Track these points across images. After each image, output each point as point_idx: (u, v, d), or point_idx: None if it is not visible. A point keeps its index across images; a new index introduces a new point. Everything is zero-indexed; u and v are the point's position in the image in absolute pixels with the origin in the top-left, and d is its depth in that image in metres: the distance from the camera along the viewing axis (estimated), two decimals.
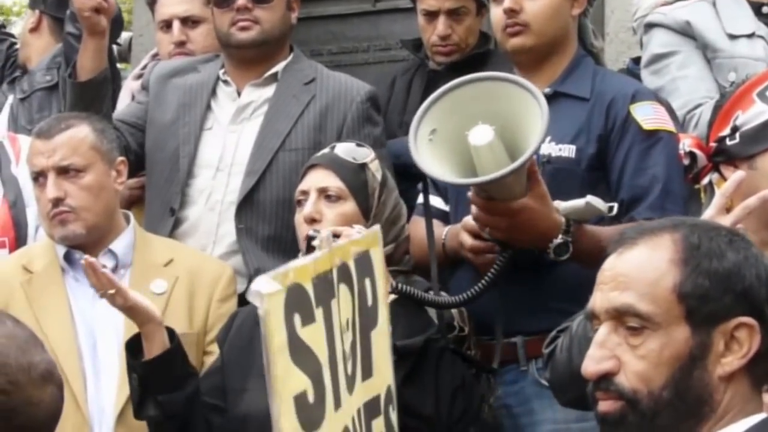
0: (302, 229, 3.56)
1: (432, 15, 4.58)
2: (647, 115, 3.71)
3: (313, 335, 2.27)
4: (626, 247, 2.28)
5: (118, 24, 4.82)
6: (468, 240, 3.61)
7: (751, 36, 4.23)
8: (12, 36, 5.98)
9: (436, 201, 3.82)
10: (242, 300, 3.86)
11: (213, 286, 3.90)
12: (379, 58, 5.25)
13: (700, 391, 2.19)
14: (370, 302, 2.57)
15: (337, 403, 2.36)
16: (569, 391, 3.02)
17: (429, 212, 3.64)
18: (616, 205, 3.58)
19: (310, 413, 2.22)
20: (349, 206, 3.57)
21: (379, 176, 3.62)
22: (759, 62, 4.11)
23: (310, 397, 2.23)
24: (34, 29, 5.39)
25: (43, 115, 4.83)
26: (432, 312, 3.59)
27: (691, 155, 3.42)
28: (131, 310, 3.46)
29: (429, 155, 3.45)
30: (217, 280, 3.90)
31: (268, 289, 2.11)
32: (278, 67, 4.34)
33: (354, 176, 3.59)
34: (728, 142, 3.27)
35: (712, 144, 3.35)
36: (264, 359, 2.13)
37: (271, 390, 2.12)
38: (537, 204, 3.44)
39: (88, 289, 3.59)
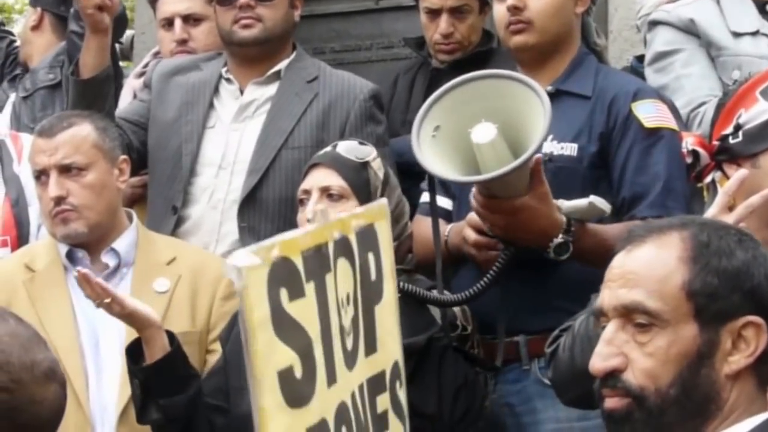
0: None
1: (435, 13, 4.58)
2: (649, 113, 3.70)
3: (303, 310, 2.24)
4: (635, 245, 2.28)
5: (121, 22, 4.82)
6: (471, 235, 3.61)
7: (755, 34, 4.23)
8: (11, 34, 5.98)
9: (441, 200, 3.82)
10: None
11: (216, 285, 3.89)
12: (381, 56, 5.25)
13: (707, 389, 2.20)
14: (373, 277, 2.54)
15: (331, 379, 2.33)
16: (571, 390, 3.03)
17: (435, 210, 3.64)
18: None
19: (297, 388, 2.20)
20: (352, 205, 3.56)
21: (381, 175, 3.61)
22: (763, 60, 4.10)
23: (297, 373, 2.21)
24: (36, 27, 5.39)
25: (46, 113, 4.83)
26: (435, 311, 3.59)
27: (694, 153, 3.42)
28: (130, 317, 3.45)
29: (432, 153, 3.44)
30: (219, 279, 3.89)
31: (245, 263, 2.08)
32: (281, 65, 4.34)
33: (356, 175, 3.58)
34: (731, 141, 3.27)
35: (715, 142, 3.35)
36: (242, 335, 2.10)
37: (249, 366, 2.09)
38: (538, 203, 3.44)
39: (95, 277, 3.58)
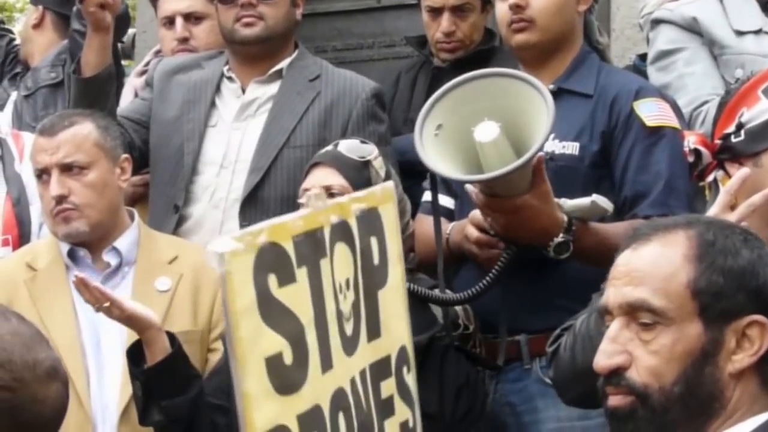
0: None
1: (436, 11, 4.57)
2: (651, 112, 3.70)
3: (293, 296, 2.22)
4: (640, 243, 2.29)
5: (124, 21, 4.83)
6: (474, 232, 3.60)
7: (758, 32, 4.22)
8: (11, 32, 5.98)
9: (443, 199, 3.81)
10: None
11: (217, 283, 3.87)
12: (383, 54, 5.25)
13: (711, 387, 2.20)
14: (376, 261, 2.52)
15: (327, 365, 2.31)
16: (573, 389, 3.02)
17: (437, 209, 3.64)
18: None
19: (287, 375, 2.19)
20: None
21: (382, 173, 3.61)
22: (766, 59, 4.09)
23: (287, 359, 2.19)
24: (37, 25, 5.38)
25: (48, 112, 4.82)
26: (437, 310, 3.58)
27: (696, 152, 3.42)
28: (129, 320, 3.45)
29: (434, 152, 3.44)
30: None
31: (226, 249, 2.07)
32: (283, 64, 4.33)
33: (357, 174, 3.57)
34: (733, 139, 3.26)
35: (717, 141, 3.34)
36: (225, 322, 2.09)
37: (232, 353, 2.08)
38: (538, 201, 3.43)
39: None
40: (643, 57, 4.46)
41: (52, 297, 3.85)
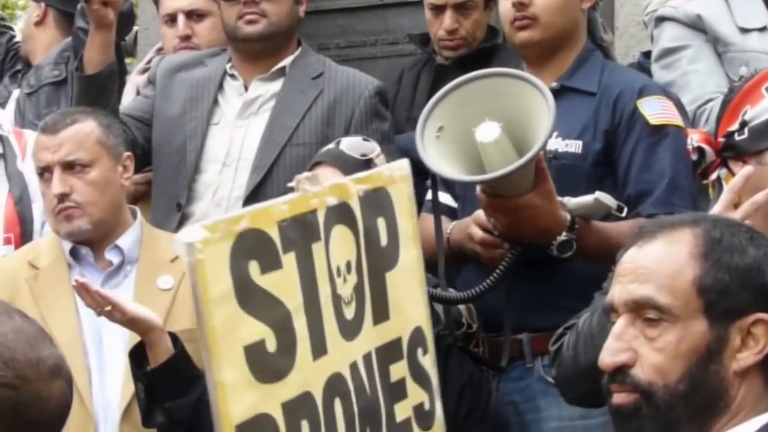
0: None
1: (439, 9, 4.56)
2: (654, 110, 3.69)
3: (279, 282, 2.20)
4: (646, 240, 2.28)
5: (128, 19, 4.82)
6: (478, 233, 3.60)
7: (762, 30, 4.21)
8: (11, 29, 5.97)
9: (444, 198, 3.81)
10: None
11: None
12: (386, 52, 5.23)
13: (715, 385, 2.19)
14: (384, 242, 2.49)
15: (319, 351, 2.28)
16: (575, 388, 3.03)
17: (438, 208, 3.63)
18: (626, 208, 3.57)
19: (269, 363, 2.17)
20: None
21: None
22: None
23: (270, 347, 2.17)
24: (39, 22, 5.37)
25: (51, 110, 4.81)
26: (439, 308, 3.58)
27: (700, 150, 3.41)
28: (131, 322, 3.44)
29: (436, 153, 3.43)
30: None
31: (195, 238, 2.05)
32: (286, 62, 4.33)
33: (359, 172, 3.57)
34: (737, 137, 3.26)
35: (720, 139, 3.34)
36: (195, 311, 2.08)
37: (203, 343, 2.06)
38: (542, 201, 3.43)
39: (95, 284, 3.57)
40: (647, 54, 4.46)
41: (54, 295, 3.85)
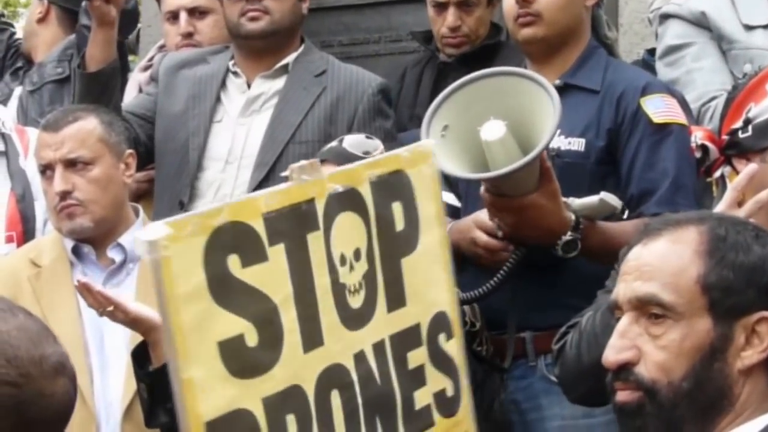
0: None
1: (442, 6, 4.55)
2: (658, 108, 3.68)
3: (263, 275, 2.17)
4: (651, 238, 2.28)
5: (132, 17, 4.81)
6: (482, 237, 3.59)
7: (767, 27, 4.20)
8: (11, 26, 5.96)
9: (447, 197, 3.80)
10: None
11: None
12: (390, 49, 5.22)
13: (719, 383, 2.19)
14: (400, 227, 2.44)
15: (313, 343, 2.25)
16: (578, 387, 3.02)
17: None
18: (626, 210, 3.57)
19: (249, 358, 2.14)
20: None
21: None
22: None
23: (251, 341, 2.14)
24: (42, 20, 5.36)
25: (54, 107, 4.79)
26: None
27: (703, 148, 3.41)
28: (134, 323, 3.43)
29: (440, 152, 3.42)
30: None
31: (158, 235, 2.03)
32: (289, 59, 4.33)
33: None
34: (740, 135, 3.26)
35: (724, 137, 3.33)
36: (158, 309, 2.06)
37: (169, 340, 2.05)
38: (546, 200, 3.42)
39: (97, 283, 3.57)
40: (652, 52, 4.45)
41: (56, 294, 3.85)
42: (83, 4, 4.44)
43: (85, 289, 3.41)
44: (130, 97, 4.66)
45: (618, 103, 3.70)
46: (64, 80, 4.99)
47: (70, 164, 3.87)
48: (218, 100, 4.32)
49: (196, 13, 4.70)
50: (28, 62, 5.39)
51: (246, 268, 2.15)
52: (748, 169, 3.05)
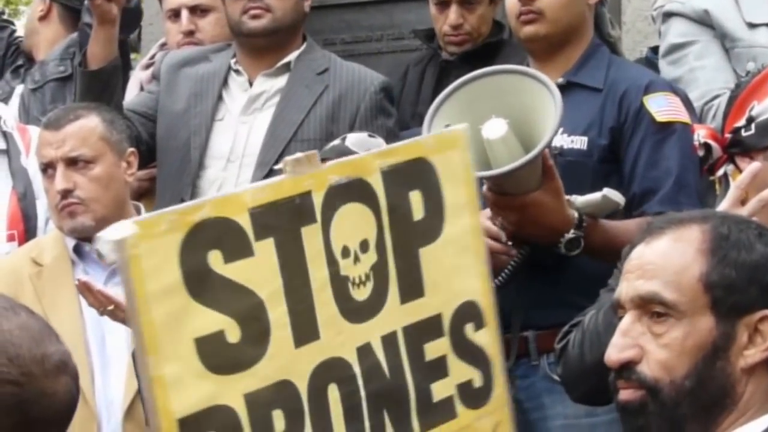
0: None
1: (444, 4, 4.54)
2: (661, 107, 3.68)
3: (248, 270, 2.15)
4: (654, 237, 2.28)
5: (135, 16, 4.81)
6: (486, 241, 3.58)
7: None
8: (12, 23, 5.95)
9: None
10: None
11: None
12: (392, 47, 5.22)
13: (722, 382, 2.19)
14: (418, 216, 2.40)
15: (307, 338, 2.23)
16: (581, 386, 3.02)
17: None
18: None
19: (229, 354, 2.13)
20: None
21: None
22: None
23: (232, 337, 2.13)
24: (44, 17, 5.36)
25: (56, 106, 4.79)
26: None
27: (706, 146, 3.40)
28: None
29: None
30: None
31: (123, 234, 2.02)
32: (291, 57, 4.32)
33: None
34: (743, 133, 3.25)
35: (727, 135, 3.33)
36: (126, 307, 2.06)
37: (138, 338, 2.03)
38: (549, 198, 3.42)
39: (98, 282, 3.56)
40: (655, 50, 4.44)
41: (57, 293, 3.84)
42: (85, 2, 4.44)
43: (85, 289, 3.40)
44: (131, 95, 4.66)
45: (621, 101, 3.69)
46: (66, 78, 4.99)
47: (72, 163, 3.87)
48: (220, 98, 4.32)
49: (197, 11, 4.69)
50: (29, 60, 5.39)
51: (229, 264, 2.13)
52: (751, 167, 3.04)
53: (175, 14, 4.71)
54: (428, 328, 2.43)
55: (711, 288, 2.20)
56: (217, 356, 2.12)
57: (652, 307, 2.22)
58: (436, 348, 2.43)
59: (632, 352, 2.21)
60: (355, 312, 2.32)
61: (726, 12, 4.18)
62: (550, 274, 3.61)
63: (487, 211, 3.54)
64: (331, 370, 2.28)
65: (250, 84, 4.31)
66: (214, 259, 2.12)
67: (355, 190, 2.32)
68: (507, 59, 3.84)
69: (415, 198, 2.40)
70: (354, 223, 2.31)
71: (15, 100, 5.13)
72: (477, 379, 2.49)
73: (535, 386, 3.67)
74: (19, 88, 5.19)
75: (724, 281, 2.20)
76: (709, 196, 3.57)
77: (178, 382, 2.07)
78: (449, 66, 4.50)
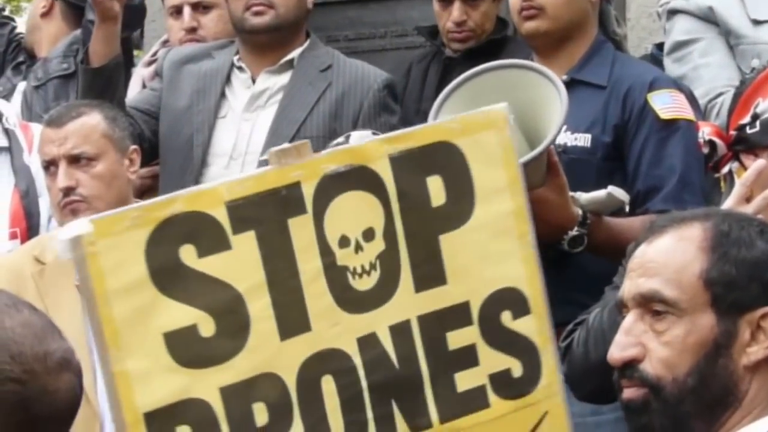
0: None
1: (447, 1, 4.53)
2: (665, 104, 3.67)
3: (225, 264, 2.15)
4: (656, 235, 2.28)
5: (139, 13, 4.80)
6: None
7: None
8: (12, 20, 5.94)
9: None
10: None
11: None
12: (396, 44, 5.22)
13: (725, 379, 2.18)
14: (438, 202, 2.35)
15: (294, 330, 2.22)
16: (586, 384, 3.01)
17: None
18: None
19: (202, 347, 2.13)
20: None
21: None
22: None
23: (205, 331, 2.13)
24: (46, 14, 5.35)
25: (59, 103, 4.77)
26: None
27: (711, 144, 3.39)
28: None
29: None
30: None
31: (80, 232, 2.03)
32: (294, 54, 4.31)
33: None
34: (748, 131, 3.25)
35: (732, 132, 3.32)
36: (85, 304, 2.08)
37: (98, 334, 2.07)
38: (553, 195, 3.41)
39: None
40: (660, 46, 4.44)
41: (59, 291, 3.83)
42: None
43: None
44: (133, 92, 4.65)
45: (625, 99, 3.69)
46: (69, 76, 4.98)
47: (74, 160, 3.87)
48: (223, 95, 4.31)
49: (199, 7, 4.68)
50: (31, 57, 5.39)
51: (203, 258, 2.14)
52: (756, 164, 3.03)
53: (177, 11, 4.70)
54: (452, 317, 2.38)
55: (711, 285, 2.20)
56: (189, 350, 2.12)
57: (653, 305, 2.21)
58: (462, 337, 2.39)
59: (634, 350, 2.21)
60: (355, 302, 2.30)
61: (730, 9, 4.18)
62: (554, 272, 3.60)
63: None
64: (325, 362, 2.27)
65: (253, 81, 4.31)
66: (186, 254, 2.12)
67: (355, 178, 2.29)
68: (510, 56, 3.83)
69: (434, 183, 2.35)
70: (355, 212, 2.28)
71: (17, 97, 5.12)
72: (516, 368, 2.45)
73: None
74: (21, 85, 5.18)
75: (724, 278, 2.20)
76: (714, 194, 3.56)
77: (145, 377, 2.08)
78: (453, 63, 4.49)
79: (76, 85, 4.59)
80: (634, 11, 5.14)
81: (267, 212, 2.20)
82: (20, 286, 3.83)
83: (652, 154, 3.64)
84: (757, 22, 4.16)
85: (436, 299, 2.37)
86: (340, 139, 3.71)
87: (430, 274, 2.36)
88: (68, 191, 3.85)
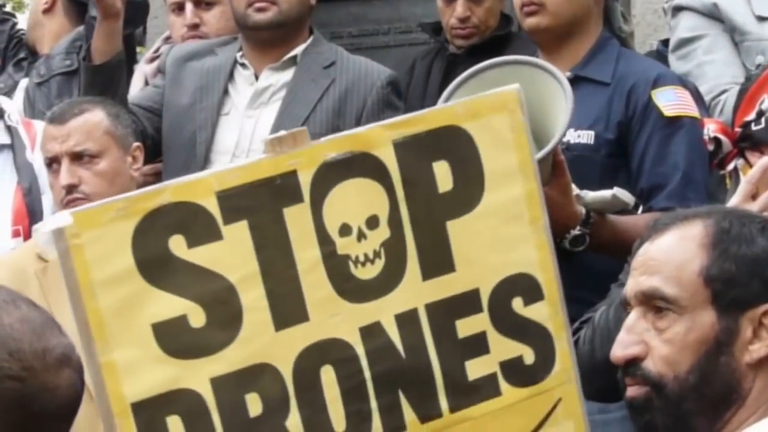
0: None
1: None
2: (669, 101, 3.66)
3: (216, 254, 2.14)
4: (659, 233, 2.27)
5: (142, 10, 4.79)
6: None
7: None
8: (13, 16, 5.94)
9: None
10: None
11: None
12: (399, 41, 5.22)
13: (727, 377, 2.18)
14: (445, 188, 2.31)
15: (291, 320, 2.20)
16: (592, 383, 2.98)
17: None
18: (640, 206, 3.54)
19: (192, 338, 2.12)
20: None
21: None
22: None
23: (195, 322, 2.12)
24: (48, 10, 5.34)
25: (62, 100, 4.75)
26: None
27: (716, 141, 3.38)
28: None
29: None
30: None
31: (61, 224, 2.03)
32: (297, 50, 4.30)
33: None
34: (754, 127, 3.25)
35: (737, 129, 3.31)
36: (69, 296, 2.08)
37: (83, 326, 2.07)
38: (557, 194, 3.39)
39: None
40: (666, 42, 4.43)
41: (63, 288, 3.78)
42: None
43: None
44: (136, 88, 4.64)
45: (629, 95, 3.69)
46: (72, 73, 4.96)
47: (77, 157, 3.86)
48: (226, 92, 4.30)
49: (202, 4, 4.66)
50: (32, 53, 5.38)
51: (193, 249, 2.12)
52: (761, 161, 3.01)
53: (180, 7, 4.68)
54: (461, 304, 2.35)
55: (711, 282, 2.19)
56: (179, 341, 2.11)
57: (654, 303, 2.21)
58: (472, 324, 2.36)
59: (637, 348, 2.21)
60: (358, 291, 2.27)
61: (735, 5, 4.17)
62: (560, 270, 3.59)
63: None
64: (324, 352, 2.25)
65: (256, 78, 4.30)
66: (176, 244, 2.11)
67: (357, 166, 2.26)
68: (515, 52, 3.82)
69: (441, 169, 2.32)
70: (357, 200, 2.26)
71: (19, 94, 5.11)
72: (528, 355, 2.42)
73: None
74: (23, 82, 5.18)
75: (724, 275, 2.19)
76: (720, 191, 3.55)
77: (132, 367, 2.08)
78: (456, 60, 4.48)
79: (79, 82, 4.58)
80: (639, 8, 5.14)
81: (260, 202, 2.18)
82: (23, 283, 3.82)
83: (656, 151, 3.63)
84: (761, 19, 4.16)
85: (445, 287, 2.33)
86: None
87: (438, 262, 2.32)
88: (71, 188, 3.84)
